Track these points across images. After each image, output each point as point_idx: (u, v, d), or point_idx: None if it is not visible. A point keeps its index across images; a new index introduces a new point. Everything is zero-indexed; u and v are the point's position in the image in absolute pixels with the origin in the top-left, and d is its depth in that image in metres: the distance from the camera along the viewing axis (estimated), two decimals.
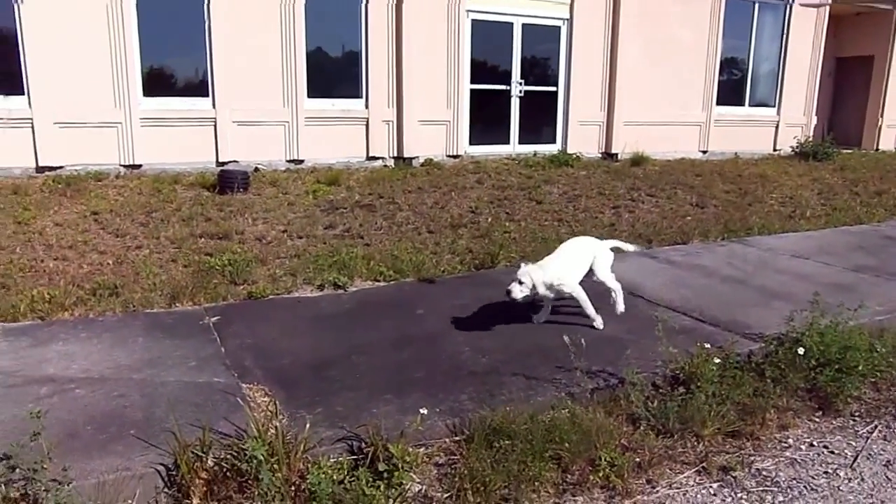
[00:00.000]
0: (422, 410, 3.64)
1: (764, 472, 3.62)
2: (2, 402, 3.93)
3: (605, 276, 5.43)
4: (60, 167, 9.80)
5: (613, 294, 5.46)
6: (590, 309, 5.21)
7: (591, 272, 5.40)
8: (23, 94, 9.62)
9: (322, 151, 11.39)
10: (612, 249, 5.61)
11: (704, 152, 14.98)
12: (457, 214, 9.00)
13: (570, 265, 5.26)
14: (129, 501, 3.13)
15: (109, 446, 3.45)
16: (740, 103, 15.66)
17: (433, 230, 8.32)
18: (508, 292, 4.99)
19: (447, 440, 3.69)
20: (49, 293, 5.70)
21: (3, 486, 2.99)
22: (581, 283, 5.27)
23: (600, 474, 3.43)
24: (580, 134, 13.70)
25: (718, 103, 15.07)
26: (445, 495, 3.29)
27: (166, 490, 3.24)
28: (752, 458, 3.74)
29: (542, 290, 5.04)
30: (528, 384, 4.25)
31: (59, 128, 9.73)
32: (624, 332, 5.17)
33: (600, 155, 13.92)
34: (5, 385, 4.15)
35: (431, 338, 5.05)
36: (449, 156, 12.49)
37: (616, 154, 13.76)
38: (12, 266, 6.42)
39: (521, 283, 4.96)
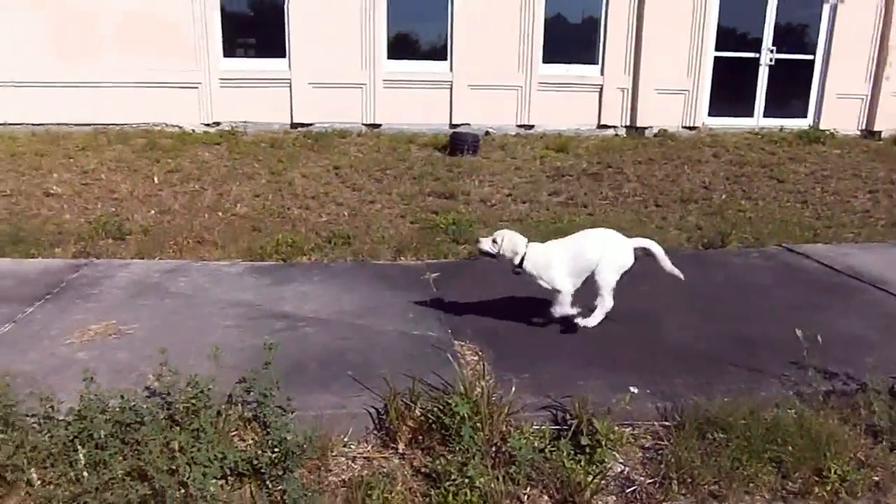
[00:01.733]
0: (632, 389, 3.49)
1: None
2: (245, 331, 4.38)
3: (606, 281, 4.44)
4: (311, 124, 10.65)
5: (598, 301, 4.48)
6: (566, 308, 4.47)
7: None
8: (284, 56, 10.55)
9: (552, 118, 11.29)
10: (638, 249, 4.53)
11: None
12: (688, 189, 8.51)
13: (564, 258, 4.46)
14: (343, 437, 3.34)
15: (329, 384, 3.70)
16: None
17: (661, 204, 7.94)
18: (476, 240, 4.72)
19: (656, 424, 3.51)
20: (292, 238, 6.23)
21: (239, 406, 3.32)
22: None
23: (828, 487, 3.08)
24: (837, 108, 12.27)
25: None
26: (648, 481, 3.14)
27: (375, 432, 3.41)
28: None
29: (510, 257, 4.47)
30: (751, 377, 3.92)
31: (312, 88, 10.55)
32: (870, 331, 4.59)
33: (859, 132, 12.40)
34: (248, 317, 4.61)
35: (650, 315, 4.83)
36: (685, 127, 11.82)
37: (879, 132, 12.19)
38: (264, 212, 7.11)
39: (494, 241, 4.50)
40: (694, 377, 3.89)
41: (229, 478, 2.94)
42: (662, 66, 11.39)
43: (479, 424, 3.26)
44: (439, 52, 11.09)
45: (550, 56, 11.23)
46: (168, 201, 7.37)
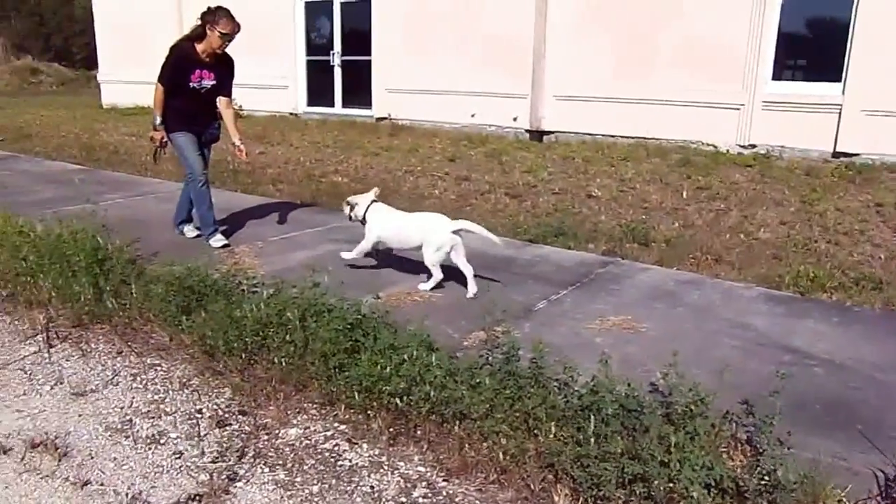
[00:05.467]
0: None
1: None
2: (749, 355, 4.38)
3: (430, 260, 5.20)
4: (855, 155, 9.81)
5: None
6: (355, 252, 5.57)
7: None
8: (838, 81, 9.90)
9: None
10: (456, 233, 5.11)
11: None
12: None
13: (390, 222, 5.42)
14: (838, 491, 3.13)
15: (831, 431, 3.49)
16: None
17: None
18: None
19: None
20: (814, 272, 5.90)
21: (734, 425, 3.37)
22: None
23: None
24: None
25: None
26: None
27: (879, 499, 3.11)
28: None
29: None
30: None
31: (864, 115, 9.69)
32: None
33: None
34: (755, 342, 4.58)
35: None
36: None
37: None
38: (788, 240, 6.87)
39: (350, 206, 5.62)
40: None
41: (712, 489, 3.03)
42: None
43: None
44: None
45: None
46: (692, 217, 7.65)
